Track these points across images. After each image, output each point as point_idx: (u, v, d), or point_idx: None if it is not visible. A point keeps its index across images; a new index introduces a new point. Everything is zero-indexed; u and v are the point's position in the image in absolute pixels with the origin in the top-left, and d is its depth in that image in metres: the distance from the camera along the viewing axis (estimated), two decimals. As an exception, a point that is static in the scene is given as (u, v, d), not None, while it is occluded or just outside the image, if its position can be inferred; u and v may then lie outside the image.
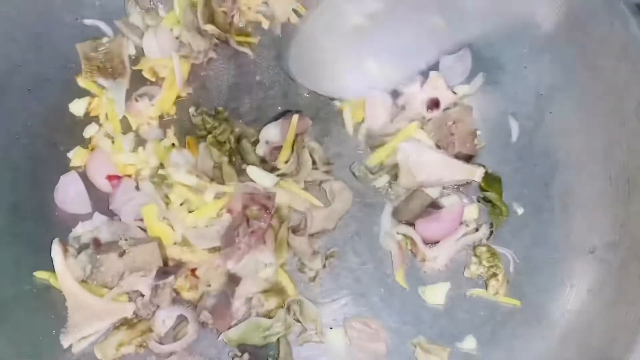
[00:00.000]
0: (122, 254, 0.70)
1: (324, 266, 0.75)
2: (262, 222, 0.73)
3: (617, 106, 0.72)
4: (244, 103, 0.85)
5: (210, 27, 0.81)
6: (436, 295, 0.74)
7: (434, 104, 0.80)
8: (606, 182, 0.72)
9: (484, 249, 0.74)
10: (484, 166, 0.79)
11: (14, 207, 0.77)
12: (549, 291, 0.72)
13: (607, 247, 0.69)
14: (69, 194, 0.77)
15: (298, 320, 0.73)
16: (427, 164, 0.77)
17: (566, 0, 0.76)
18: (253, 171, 0.77)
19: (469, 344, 0.73)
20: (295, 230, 0.77)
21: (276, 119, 0.83)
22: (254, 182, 0.77)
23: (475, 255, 0.74)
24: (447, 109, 0.80)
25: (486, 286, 0.74)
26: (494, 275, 0.72)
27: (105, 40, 0.84)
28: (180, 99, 0.84)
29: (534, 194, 0.78)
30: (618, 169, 0.71)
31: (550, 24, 0.80)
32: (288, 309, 0.72)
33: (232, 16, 0.86)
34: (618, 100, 0.72)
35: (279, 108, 0.84)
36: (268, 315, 0.73)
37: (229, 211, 0.76)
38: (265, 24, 0.87)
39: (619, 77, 0.71)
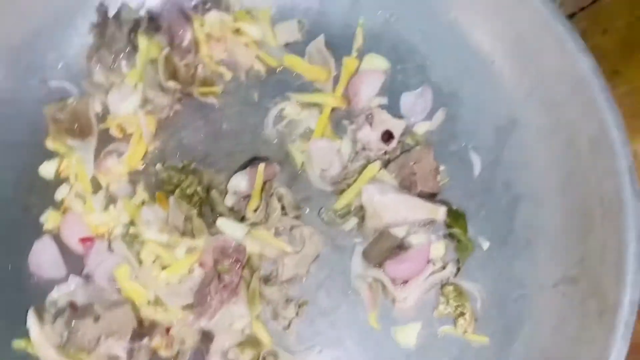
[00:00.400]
0: (97, 318, 0.72)
1: (297, 314, 0.77)
2: (234, 276, 0.75)
3: (571, 140, 0.73)
4: (212, 152, 0.86)
5: (172, 84, 0.82)
6: (407, 336, 0.75)
7: (389, 135, 0.82)
8: (565, 216, 0.74)
9: (450, 288, 0.76)
10: (447, 203, 0.80)
11: (-12, 276, 0.78)
12: (516, 327, 0.74)
13: (568, 282, 0.70)
14: (44, 259, 0.79)
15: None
16: (391, 204, 0.79)
17: (518, 38, 0.78)
18: (223, 223, 0.79)
19: (441, 384, 0.74)
20: (266, 280, 0.79)
21: (245, 166, 0.84)
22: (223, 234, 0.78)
23: (443, 294, 0.76)
24: (407, 150, 0.81)
25: (455, 324, 0.75)
26: (462, 314, 0.74)
27: (71, 100, 0.86)
28: (148, 153, 0.86)
29: (498, 228, 0.79)
30: (576, 203, 0.72)
31: (504, 59, 0.81)
32: (264, 361, 0.73)
33: (195, 68, 0.87)
34: (572, 135, 0.73)
35: (247, 155, 0.86)
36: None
37: (201, 265, 0.77)
38: (228, 76, 0.88)
39: (572, 112, 0.73)
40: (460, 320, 0.74)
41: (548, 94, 0.75)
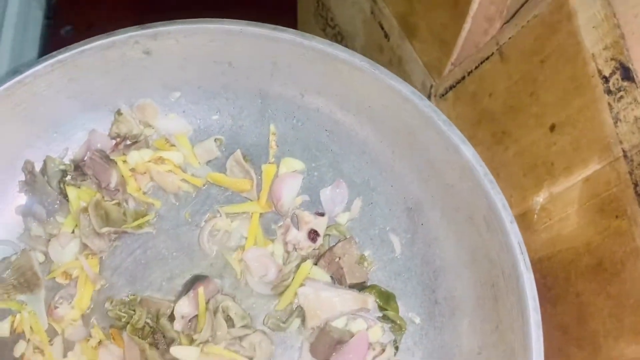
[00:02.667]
0: None
1: (258, 422, 0.83)
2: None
3: (470, 218, 0.82)
4: (154, 279, 0.92)
5: (106, 230, 0.88)
6: (363, 422, 0.82)
7: (314, 234, 0.90)
8: (478, 286, 0.82)
9: (392, 371, 0.83)
10: (377, 286, 0.88)
11: None
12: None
13: (489, 348, 0.79)
14: (13, 419, 0.83)
15: None
16: (326, 301, 0.86)
17: (408, 130, 0.86)
18: (176, 350, 0.85)
19: None
20: (226, 394, 0.85)
21: (189, 286, 0.90)
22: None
23: (386, 378, 0.83)
24: (330, 248, 0.89)
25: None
26: (407, 395, 0.82)
27: (13, 258, 0.90)
28: (96, 291, 0.91)
29: (425, 303, 0.87)
30: (484, 275, 0.81)
31: (402, 151, 0.90)
32: None
33: (127, 202, 0.94)
34: (470, 213, 0.82)
35: (189, 275, 0.92)
36: None
37: (164, 395, 0.83)
38: (158, 204, 0.94)
39: (465, 194, 0.82)
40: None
41: (442, 180, 0.84)
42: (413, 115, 0.84)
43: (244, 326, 0.88)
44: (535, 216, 0.92)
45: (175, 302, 0.89)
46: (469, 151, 0.79)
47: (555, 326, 0.82)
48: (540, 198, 0.92)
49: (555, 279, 0.86)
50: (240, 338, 0.88)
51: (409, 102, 0.84)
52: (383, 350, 0.85)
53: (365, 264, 0.90)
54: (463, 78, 1.12)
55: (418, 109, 0.83)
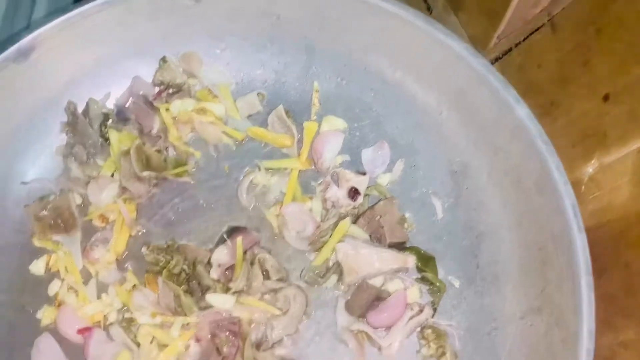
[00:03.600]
0: (104, 407, 0.76)
1: (291, 375, 0.82)
2: (231, 347, 0.80)
3: (519, 182, 0.80)
4: (192, 228, 0.91)
5: (147, 174, 0.87)
6: (397, 380, 0.81)
7: (355, 192, 0.88)
8: (524, 250, 0.80)
9: (429, 331, 0.82)
10: (417, 248, 0.87)
11: (-6, 381, 0.82)
12: (492, 359, 0.80)
13: (533, 313, 0.77)
14: (45, 355, 0.82)
15: None
16: (365, 259, 0.85)
17: (459, 92, 0.85)
18: (212, 297, 0.84)
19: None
20: (259, 345, 0.84)
21: (226, 237, 0.89)
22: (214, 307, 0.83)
23: (423, 337, 0.82)
24: (372, 206, 0.88)
25: (438, 365, 0.81)
26: (443, 354, 0.80)
27: (52, 197, 0.90)
28: (132, 237, 0.90)
29: (465, 267, 0.86)
30: (531, 239, 0.79)
31: (450, 111, 0.88)
32: None
33: (167, 150, 0.93)
34: (519, 177, 0.80)
35: (226, 226, 0.91)
36: None
37: (197, 340, 0.82)
38: (198, 154, 0.93)
39: (515, 157, 0.80)
40: (443, 360, 0.80)
41: (492, 141, 0.82)
42: (466, 73, 0.83)
43: (280, 279, 0.87)
44: (584, 187, 0.90)
45: (212, 251, 0.87)
46: (523, 110, 0.78)
47: (601, 297, 0.80)
48: (590, 169, 0.89)
49: (603, 249, 0.84)
50: (275, 291, 0.87)
51: (463, 60, 0.82)
52: (421, 311, 0.83)
53: (406, 225, 0.89)
54: (510, 50, 1.10)
55: (472, 67, 0.81)
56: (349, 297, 0.85)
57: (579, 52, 0.96)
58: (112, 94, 0.94)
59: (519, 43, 1.09)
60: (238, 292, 0.85)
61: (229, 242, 0.87)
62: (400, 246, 0.87)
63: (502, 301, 0.81)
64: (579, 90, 0.95)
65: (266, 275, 0.87)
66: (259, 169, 0.93)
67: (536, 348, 0.75)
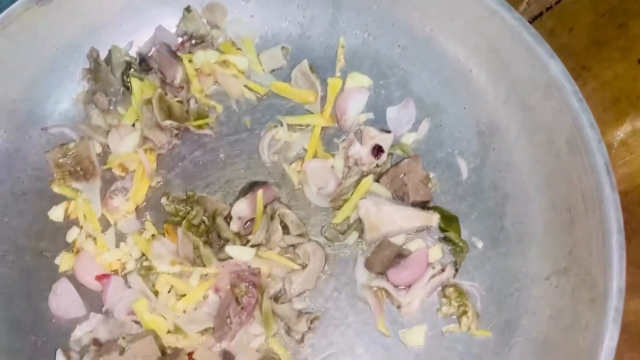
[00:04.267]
0: (122, 352, 0.76)
1: (309, 328, 0.81)
2: (251, 297, 0.79)
3: (550, 141, 0.78)
4: (212, 181, 0.90)
5: (168, 123, 0.86)
6: (415, 338, 0.80)
7: (378, 150, 0.86)
8: (551, 212, 0.78)
9: (451, 289, 0.80)
10: (440, 208, 0.85)
11: (12, 322, 0.82)
12: (515, 320, 0.79)
13: (559, 274, 0.75)
14: (63, 300, 0.82)
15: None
16: (387, 216, 0.83)
17: (491, 49, 0.82)
18: (231, 249, 0.83)
19: (451, 379, 0.79)
20: (277, 298, 0.83)
21: (246, 190, 0.88)
22: (233, 258, 0.82)
23: (445, 296, 0.81)
24: (396, 163, 0.86)
25: (459, 323, 0.80)
26: (464, 312, 0.79)
27: (72, 145, 0.89)
28: (152, 187, 0.89)
29: (489, 228, 0.84)
30: (560, 199, 0.77)
31: (480, 68, 0.86)
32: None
33: (188, 103, 0.91)
34: (550, 136, 0.78)
35: (247, 180, 0.90)
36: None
37: (216, 291, 0.82)
38: (220, 108, 0.92)
39: (547, 115, 0.78)
40: (464, 319, 0.79)
41: (523, 99, 0.80)
42: (499, 29, 0.80)
43: (299, 235, 0.86)
44: (614, 151, 0.88)
45: (231, 204, 0.86)
46: (558, 67, 0.75)
47: (629, 262, 0.78)
48: (621, 133, 0.87)
49: (632, 214, 0.82)
50: (294, 246, 0.85)
51: (497, 14, 0.80)
52: (442, 270, 0.82)
53: (430, 184, 0.87)
54: (540, 14, 1.07)
55: (505, 22, 0.79)
56: (369, 255, 0.84)
57: (614, 14, 0.93)
58: (135, 42, 0.93)
59: (551, 7, 1.06)
60: (257, 246, 0.83)
61: (249, 195, 0.86)
62: (423, 205, 0.85)
63: (526, 262, 0.80)
64: (612, 53, 0.92)
65: (286, 230, 0.86)
66: (281, 124, 0.91)
67: (561, 308, 0.74)
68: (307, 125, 0.92)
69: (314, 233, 0.87)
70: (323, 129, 0.91)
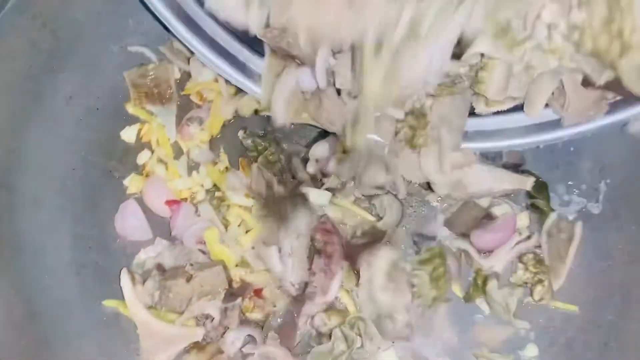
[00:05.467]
0: (189, 279, 0.72)
1: (381, 283, 0.77)
2: (333, 245, 0.75)
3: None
4: (288, 122, 0.86)
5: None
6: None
7: None
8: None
9: (530, 255, 0.75)
10: (532, 173, 0.80)
11: (76, 238, 0.79)
12: (604, 298, 0.74)
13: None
14: (129, 221, 0.79)
15: (360, 336, 0.74)
16: (476, 174, 0.78)
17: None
18: (309, 190, 0.79)
19: (531, 351, 0.75)
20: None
21: (323, 135, 0.84)
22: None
23: (522, 261, 0.76)
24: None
25: (531, 292, 0.75)
26: (540, 281, 0.74)
27: (151, 66, 0.86)
28: (228, 120, 0.86)
29: (583, 200, 0.79)
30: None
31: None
32: (352, 327, 0.73)
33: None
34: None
35: (322, 127, 0.85)
36: (329, 334, 0.74)
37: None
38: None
39: None
40: (538, 287, 0.74)
41: None
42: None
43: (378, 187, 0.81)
44: None
45: (308, 146, 0.82)
46: None
47: None
48: None
49: None
50: (371, 197, 0.81)
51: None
52: (529, 237, 0.77)
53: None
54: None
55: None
56: (452, 214, 0.79)
57: None
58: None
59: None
60: (331, 190, 0.79)
61: (330, 138, 0.82)
62: (515, 167, 0.80)
63: (621, 239, 0.75)
64: None
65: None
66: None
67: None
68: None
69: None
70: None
